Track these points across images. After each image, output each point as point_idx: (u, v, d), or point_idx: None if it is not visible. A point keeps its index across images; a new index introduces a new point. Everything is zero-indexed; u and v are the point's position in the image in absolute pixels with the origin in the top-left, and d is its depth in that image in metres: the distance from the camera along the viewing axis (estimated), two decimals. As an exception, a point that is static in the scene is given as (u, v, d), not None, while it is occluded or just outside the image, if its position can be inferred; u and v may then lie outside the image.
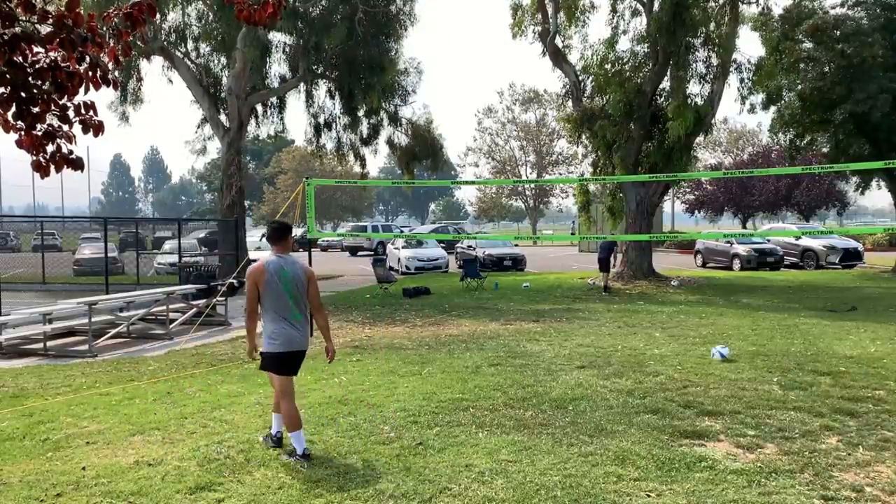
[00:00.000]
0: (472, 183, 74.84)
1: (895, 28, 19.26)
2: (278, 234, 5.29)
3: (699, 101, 19.19)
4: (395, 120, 24.52)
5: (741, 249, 24.74)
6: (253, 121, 23.94)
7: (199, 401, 6.86)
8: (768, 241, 25.62)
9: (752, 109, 21.79)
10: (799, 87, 20.49)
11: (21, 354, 10.06)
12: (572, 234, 18.95)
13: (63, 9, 3.62)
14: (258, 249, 25.95)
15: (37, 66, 3.75)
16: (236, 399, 6.93)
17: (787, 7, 20.65)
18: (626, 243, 20.41)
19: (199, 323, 11.48)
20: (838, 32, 19.10)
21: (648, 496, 4.32)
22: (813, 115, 20.55)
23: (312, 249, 12.65)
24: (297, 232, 45.67)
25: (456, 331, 11.29)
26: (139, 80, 22.60)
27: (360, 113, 23.55)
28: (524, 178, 61.75)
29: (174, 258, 16.25)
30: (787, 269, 24.53)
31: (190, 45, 22.49)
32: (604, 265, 17.24)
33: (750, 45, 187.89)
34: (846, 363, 8.13)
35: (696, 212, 49.75)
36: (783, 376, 7.45)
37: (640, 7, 19.95)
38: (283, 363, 5.14)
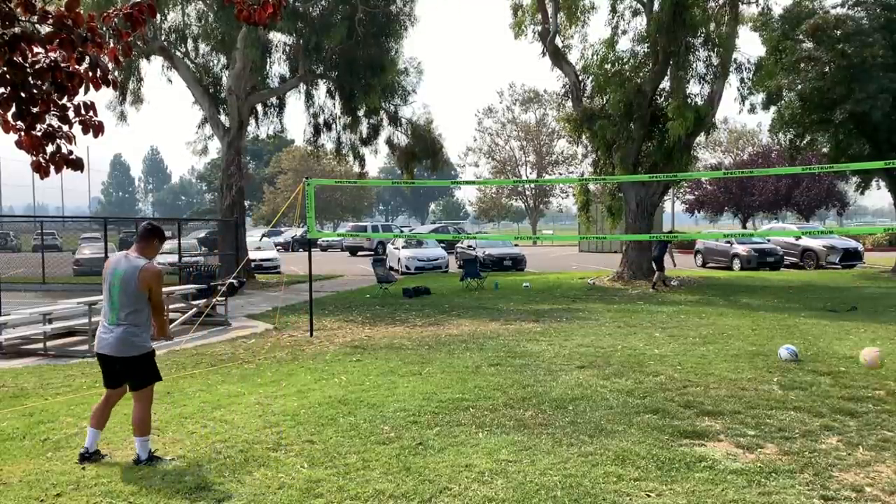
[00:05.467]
0: (472, 183, 74.90)
1: (895, 28, 19.25)
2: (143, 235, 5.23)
3: (699, 101, 19.19)
4: (394, 120, 24.51)
5: (741, 249, 24.73)
6: (253, 121, 23.95)
7: (199, 401, 6.86)
8: (768, 241, 25.62)
9: (752, 109, 21.83)
10: (799, 87, 20.46)
11: (21, 354, 10.05)
12: (671, 233, 19.27)
13: (63, 9, 3.62)
14: (258, 249, 25.95)
15: (37, 66, 3.75)
16: (236, 399, 6.92)
17: (787, 7, 20.65)
18: (626, 243, 20.39)
19: (199, 323, 11.47)
20: (838, 32, 19.07)
21: (648, 496, 4.32)
22: (813, 115, 20.53)
23: (312, 249, 12.64)
24: (297, 232, 45.88)
25: (456, 331, 11.29)
26: (139, 80, 22.61)
27: (360, 113, 23.53)
28: (524, 178, 61.73)
29: (174, 258, 16.23)
30: (787, 269, 24.53)
31: (190, 44, 22.50)
32: (658, 264, 17.50)
33: (750, 45, 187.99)
34: (846, 363, 8.12)
35: (696, 212, 49.77)
36: (783, 376, 7.45)
37: (640, 7, 19.97)
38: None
